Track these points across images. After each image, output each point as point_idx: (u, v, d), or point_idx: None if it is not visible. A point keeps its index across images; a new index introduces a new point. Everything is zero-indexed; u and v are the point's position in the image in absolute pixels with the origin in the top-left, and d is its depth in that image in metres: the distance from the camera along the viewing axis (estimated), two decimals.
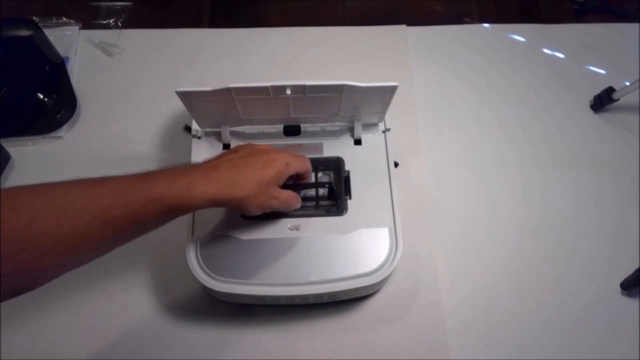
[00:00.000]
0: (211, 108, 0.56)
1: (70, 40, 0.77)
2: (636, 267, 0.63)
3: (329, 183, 0.55)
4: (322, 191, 0.58)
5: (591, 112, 0.74)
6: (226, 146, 0.61)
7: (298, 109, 0.58)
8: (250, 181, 0.47)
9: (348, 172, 0.60)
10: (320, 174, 0.61)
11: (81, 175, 0.41)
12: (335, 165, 0.60)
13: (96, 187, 0.40)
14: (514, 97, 0.75)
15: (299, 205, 0.54)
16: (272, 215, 0.56)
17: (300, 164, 0.53)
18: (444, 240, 0.65)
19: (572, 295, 0.62)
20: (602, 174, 0.70)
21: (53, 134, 0.70)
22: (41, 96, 0.71)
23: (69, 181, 0.40)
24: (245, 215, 0.57)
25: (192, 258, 0.54)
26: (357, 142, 0.62)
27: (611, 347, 0.60)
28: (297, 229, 0.56)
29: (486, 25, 0.82)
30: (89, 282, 0.61)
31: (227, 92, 0.52)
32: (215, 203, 0.44)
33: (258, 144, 0.52)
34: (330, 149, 0.61)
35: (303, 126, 0.62)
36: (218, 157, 0.50)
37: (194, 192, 0.43)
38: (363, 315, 0.60)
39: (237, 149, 0.51)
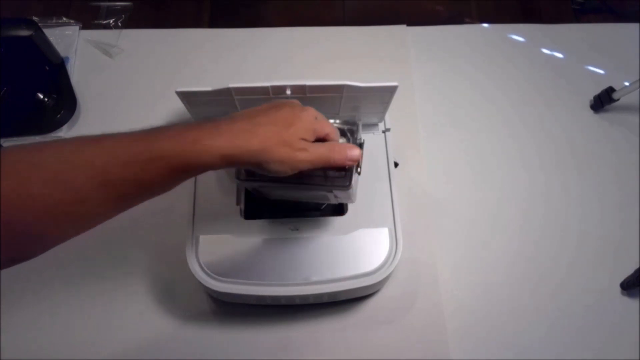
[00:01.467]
0: (211, 108, 0.56)
1: (70, 40, 0.77)
2: (636, 267, 0.63)
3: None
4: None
5: (591, 112, 0.74)
6: None
7: None
8: (271, 131, 0.40)
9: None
10: None
11: None
12: None
13: (92, 145, 0.36)
14: (514, 97, 0.75)
15: (353, 154, 0.44)
16: (273, 215, 0.56)
17: (329, 124, 0.46)
18: (444, 240, 0.65)
19: (572, 295, 0.62)
20: (602, 174, 0.70)
21: (53, 134, 0.70)
22: (41, 96, 0.71)
23: (65, 140, 0.37)
24: (246, 215, 0.57)
25: (192, 258, 0.54)
26: None
27: (611, 347, 0.60)
28: (297, 229, 0.56)
29: (486, 25, 0.82)
30: (89, 282, 0.61)
31: (227, 92, 0.52)
32: (228, 159, 0.38)
33: (285, 99, 0.45)
34: None
35: None
36: (266, 116, 0.42)
37: (201, 146, 0.37)
38: (363, 315, 0.60)
39: (261, 105, 0.45)
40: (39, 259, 0.60)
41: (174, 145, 0.37)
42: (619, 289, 0.63)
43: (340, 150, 0.43)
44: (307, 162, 0.42)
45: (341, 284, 0.54)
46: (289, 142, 0.40)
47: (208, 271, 0.53)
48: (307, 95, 0.54)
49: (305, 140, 0.42)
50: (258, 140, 0.39)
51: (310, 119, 0.43)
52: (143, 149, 0.36)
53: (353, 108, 0.58)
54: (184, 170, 0.38)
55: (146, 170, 0.36)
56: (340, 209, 0.58)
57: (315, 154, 0.42)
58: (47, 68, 0.72)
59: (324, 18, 0.83)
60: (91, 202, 0.36)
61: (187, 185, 0.58)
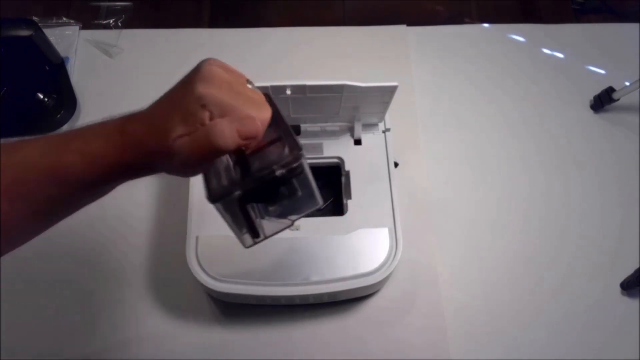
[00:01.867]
0: None
1: (70, 40, 0.77)
2: (636, 267, 0.63)
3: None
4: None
5: (591, 112, 0.74)
6: None
7: (298, 109, 0.58)
8: (155, 153, 0.35)
9: (348, 172, 0.60)
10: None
11: None
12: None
13: (5, 155, 0.34)
14: (514, 97, 0.75)
15: (244, 129, 0.34)
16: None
17: (235, 123, 0.34)
18: (444, 240, 0.65)
19: (573, 295, 0.62)
20: (602, 174, 0.69)
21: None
22: (41, 96, 0.71)
23: None
24: None
25: (192, 258, 0.54)
26: (357, 142, 0.62)
27: (611, 347, 0.60)
28: (297, 229, 0.56)
29: (486, 25, 0.82)
30: (89, 282, 0.61)
31: None
32: (136, 175, 0.36)
33: (221, 70, 0.38)
34: (330, 149, 0.61)
35: (303, 126, 0.62)
36: (170, 90, 0.39)
37: (109, 167, 0.34)
38: (363, 315, 0.60)
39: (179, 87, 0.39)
40: (39, 259, 0.61)
41: (80, 162, 0.34)
42: (619, 289, 0.62)
43: (223, 129, 0.33)
44: (197, 169, 0.36)
45: (341, 284, 0.54)
46: (170, 154, 0.34)
47: (208, 271, 0.53)
48: (307, 95, 0.54)
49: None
50: (148, 158, 0.35)
51: (202, 119, 0.34)
52: (51, 164, 0.34)
53: (353, 108, 0.58)
54: (98, 186, 0.36)
55: (55, 189, 0.34)
56: (340, 209, 0.58)
57: (192, 153, 0.33)
58: (47, 68, 0.72)
59: (324, 18, 0.83)
60: (7, 218, 0.33)
61: (186, 185, 0.58)
